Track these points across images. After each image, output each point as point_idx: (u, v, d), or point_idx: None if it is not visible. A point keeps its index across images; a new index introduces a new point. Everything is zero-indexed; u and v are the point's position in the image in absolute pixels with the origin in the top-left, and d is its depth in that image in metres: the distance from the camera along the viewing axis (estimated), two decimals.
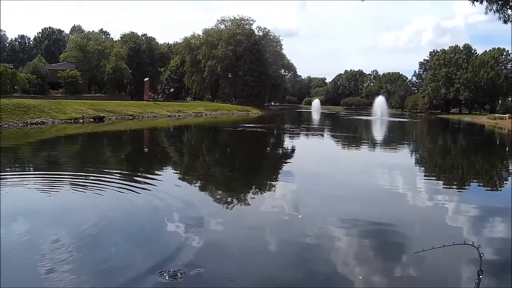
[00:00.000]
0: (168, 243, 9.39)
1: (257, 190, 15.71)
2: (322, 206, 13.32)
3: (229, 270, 8.15)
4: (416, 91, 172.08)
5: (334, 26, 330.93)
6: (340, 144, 35.95)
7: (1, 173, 17.39)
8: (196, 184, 16.20)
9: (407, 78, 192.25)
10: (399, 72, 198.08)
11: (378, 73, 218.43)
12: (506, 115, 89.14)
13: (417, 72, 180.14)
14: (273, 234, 10.38)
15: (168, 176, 17.90)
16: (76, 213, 11.67)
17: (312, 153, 29.19)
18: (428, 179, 20.22)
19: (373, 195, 15.32)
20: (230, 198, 14.18)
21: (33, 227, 10.39)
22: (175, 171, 20.05)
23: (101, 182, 15.75)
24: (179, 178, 17.39)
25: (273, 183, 17.47)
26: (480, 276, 4.06)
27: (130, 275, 7.65)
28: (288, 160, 25.50)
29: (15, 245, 8.93)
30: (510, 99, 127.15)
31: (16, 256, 8.41)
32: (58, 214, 11.62)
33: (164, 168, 20.98)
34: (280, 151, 31.34)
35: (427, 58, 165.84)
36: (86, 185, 15.33)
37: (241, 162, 24.43)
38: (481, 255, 3.97)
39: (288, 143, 36.66)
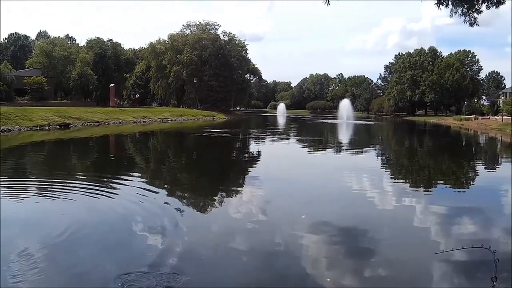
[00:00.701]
0: (135, 248, 9.64)
1: (223, 195, 16.00)
2: (289, 210, 13.71)
3: (199, 274, 8.40)
4: (381, 94, 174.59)
5: (301, 29, 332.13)
6: (306, 148, 36.50)
7: None
8: (163, 190, 16.43)
9: (372, 81, 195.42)
10: (364, 75, 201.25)
11: (344, 77, 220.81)
12: (471, 116, 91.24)
13: (382, 75, 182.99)
14: (241, 239, 10.64)
15: (134, 182, 17.97)
16: (44, 221, 11.83)
17: (278, 158, 29.69)
18: (395, 181, 20.81)
19: (340, 198, 15.83)
20: (197, 203, 14.60)
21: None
22: (142, 177, 20.12)
23: (68, 189, 15.93)
24: (146, 184, 17.51)
25: (239, 188, 17.84)
26: (494, 283, 3.91)
27: (98, 281, 7.89)
28: (254, 165, 26.00)
29: None
30: (475, 100, 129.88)
31: None
32: (25, 222, 11.77)
33: (131, 174, 20.98)
34: (246, 155, 31.76)
35: (392, 61, 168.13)
36: (53, 192, 15.45)
37: (207, 167, 24.72)
38: (496, 260, 3.82)
39: (253, 147, 37.20)
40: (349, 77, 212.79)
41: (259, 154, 31.81)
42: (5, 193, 15.50)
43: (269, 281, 8.22)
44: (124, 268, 8.29)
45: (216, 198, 15.50)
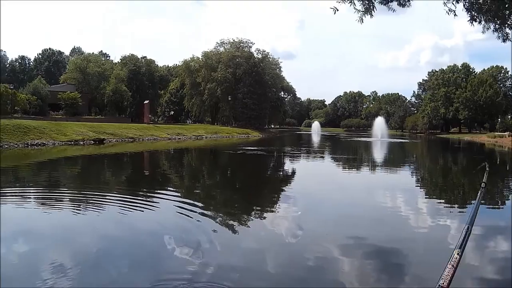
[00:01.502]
0: (167, 264, 9.35)
1: (257, 212, 15.45)
2: (322, 227, 13.21)
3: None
4: (415, 111, 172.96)
5: (333, 47, 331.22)
6: (340, 166, 35.75)
7: (2, 193, 17.47)
8: (196, 206, 15.70)
9: (406, 98, 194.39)
10: (398, 93, 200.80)
11: (377, 94, 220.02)
12: (505, 133, 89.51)
13: (416, 92, 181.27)
14: (275, 256, 10.22)
15: (168, 197, 17.65)
16: (77, 235, 11.54)
17: (312, 175, 28.95)
18: (429, 199, 19.81)
19: (375, 215, 15.10)
20: (230, 220, 13.99)
21: (34, 248, 10.27)
22: (176, 193, 19.73)
23: (102, 203, 15.79)
24: (180, 200, 17.00)
25: (273, 205, 17.20)
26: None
27: None
28: (288, 182, 25.13)
29: (15, 268, 8.89)
30: (509, 116, 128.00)
31: (17, 279, 8.32)
32: (58, 235, 11.53)
33: (165, 189, 20.66)
34: (280, 173, 30.93)
35: (425, 78, 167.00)
36: (87, 206, 15.30)
37: (242, 184, 24.24)
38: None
39: (288, 165, 36.30)
40: (383, 95, 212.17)
41: (293, 171, 31.16)
42: (39, 205, 15.68)
43: None
44: (155, 283, 8.06)
45: (249, 215, 14.96)
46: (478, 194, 3.97)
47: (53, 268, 8.57)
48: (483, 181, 4.08)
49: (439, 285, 2.73)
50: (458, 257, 2.93)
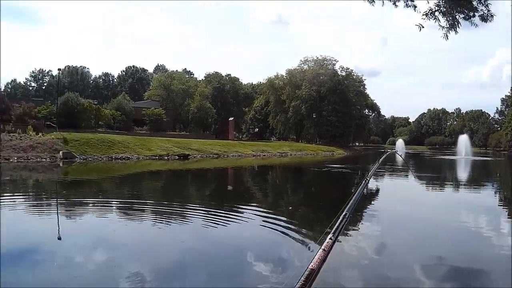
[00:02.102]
0: (248, 281, 8.92)
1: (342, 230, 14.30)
2: (405, 247, 12.59)
3: None
4: (499, 128, 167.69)
5: (416, 63, 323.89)
6: (424, 185, 34.24)
7: (86, 204, 18.02)
8: (280, 221, 15.11)
9: (489, 115, 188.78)
10: (481, 109, 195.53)
11: (461, 111, 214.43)
12: None
13: (499, 108, 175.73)
14: (355, 274, 9.75)
15: (252, 213, 17.17)
16: (158, 246, 11.44)
17: (396, 194, 28.14)
18: None
19: (456, 235, 14.24)
20: (314, 238, 12.94)
21: (113, 257, 10.15)
22: (260, 208, 19.09)
23: (185, 216, 15.89)
24: (263, 216, 16.56)
25: (357, 222, 15.99)
26: None
27: None
28: (372, 201, 23.74)
29: (93, 276, 8.68)
30: None
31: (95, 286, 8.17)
32: (139, 246, 11.39)
33: (249, 205, 20.14)
34: (365, 191, 29.71)
35: (508, 94, 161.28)
36: (170, 219, 15.29)
37: (326, 202, 23.20)
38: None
39: (372, 183, 35.24)
40: (466, 112, 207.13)
41: (377, 189, 29.72)
42: (122, 216, 16.07)
43: None
44: None
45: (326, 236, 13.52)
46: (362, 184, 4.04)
47: (130, 278, 8.44)
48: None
49: (310, 268, 2.64)
50: (331, 241, 3.10)
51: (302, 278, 2.59)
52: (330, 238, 3.15)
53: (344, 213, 3.54)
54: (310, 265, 2.72)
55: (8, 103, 60.82)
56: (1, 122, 43.93)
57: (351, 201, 3.74)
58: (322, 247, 2.96)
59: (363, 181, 4.31)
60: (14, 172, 31.39)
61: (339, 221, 3.38)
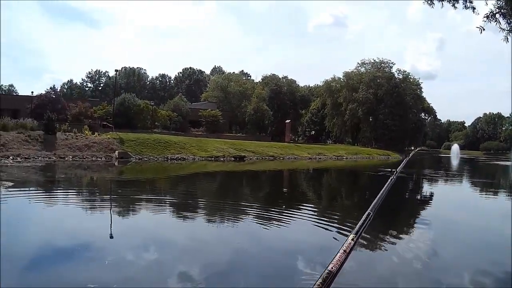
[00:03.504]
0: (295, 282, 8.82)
1: (393, 235, 14.25)
2: (457, 254, 12.29)
3: None
4: None
5: (474, 66, 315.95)
6: (478, 191, 33.45)
7: (139, 203, 18.19)
8: (332, 226, 15.07)
9: None
10: None
11: None
12: None
13: None
14: (405, 281, 9.57)
15: (305, 216, 17.25)
16: (210, 247, 11.47)
17: (450, 199, 27.49)
18: None
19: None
20: (366, 243, 12.91)
21: (164, 257, 10.18)
22: (313, 212, 19.16)
23: (238, 217, 16.05)
24: (317, 219, 16.57)
25: (410, 228, 16.39)
26: None
27: None
28: (425, 206, 23.99)
29: (142, 274, 8.75)
30: None
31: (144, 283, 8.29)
32: (191, 246, 11.51)
33: (302, 208, 19.99)
34: (419, 196, 29.72)
35: None
36: (223, 219, 15.55)
37: (380, 206, 22.64)
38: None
39: (426, 188, 34.91)
40: None
41: (431, 195, 29.72)
42: (176, 215, 16.47)
43: None
44: None
45: (384, 237, 13.91)
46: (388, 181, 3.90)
47: (180, 277, 8.63)
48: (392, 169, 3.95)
49: (329, 270, 2.51)
50: (352, 242, 2.88)
51: (320, 280, 2.39)
52: (352, 239, 2.85)
53: (367, 213, 3.25)
54: (329, 266, 2.52)
55: (64, 103, 61.76)
56: (57, 122, 44.38)
57: (376, 200, 3.51)
58: (343, 247, 2.74)
59: (390, 178, 3.97)
60: (68, 170, 31.85)
61: (361, 220, 3.10)
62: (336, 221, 16.22)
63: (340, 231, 14.06)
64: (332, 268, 2.47)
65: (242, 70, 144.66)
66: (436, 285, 9.22)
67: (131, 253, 10.11)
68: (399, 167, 4.00)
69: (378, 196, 3.53)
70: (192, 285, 8.19)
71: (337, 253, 2.64)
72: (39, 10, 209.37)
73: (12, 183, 21.03)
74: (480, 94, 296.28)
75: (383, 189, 3.84)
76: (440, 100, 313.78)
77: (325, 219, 16.18)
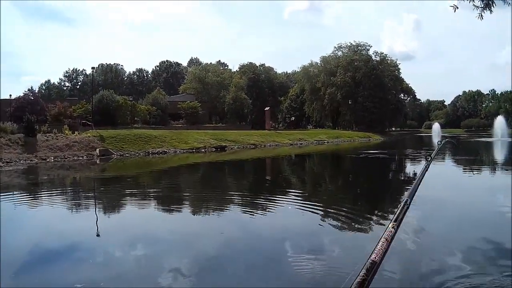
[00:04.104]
0: (286, 270, 8.83)
1: (379, 217, 14.26)
2: (446, 231, 12.31)
3: None
4: None
5: (450, 45, 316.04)
6: (461, 168, 33.63)
7: (124, 199, 18.31)
8: (318, 210, 15.09)
9: None
10: None
11: (496, 92, 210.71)
12: None
13: None
14: (397, 261, 9.27)
15: (290, 201, 17.27)
16: (198, 239, 11.50)
17: (433, 178, 27.17)
18: None
19: (497, 218, 13.93)
20: (353, 226, 13.14)
21: (152, 253, 10.11)
22: (297, 197, 19.05)
23: (224, 207, 16.04)
24: (301, 204, 16.40)
25: (395, 209, 15.86)
26: None
27: None
28: (410, 186, 23.74)
29: (130, 271, 8.72)
30: None
31: (136, 284, 8.10)
32: (179, 239, 11.57)
33: (286, 194, 20.12)
34: (403, 176, 29.85)
35: None
36: (208, 210, 15.71)
37: (364, 188, 23.17)
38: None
39: (410, 168, 34.90)
40: (501, 93, 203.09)
41: (414, 174, 29.21)
42: (162, 209, 16.53)
43: None
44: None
45: (371, 220, 14.12)
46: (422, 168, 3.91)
47: (169, 271, 8.59)
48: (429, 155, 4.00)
49: (371, 260, 2.51)
50: (393, 230, 2.81)
51: (363, 271, 2.42)
52: (393, 227, 2.78)
53: (405, 200, 3.14)
54: (372, 256, 2.51)
55: (43, 104, 61.60)
56: (37, 123, 44.25)
57: (413, 187, 3.39)
58: (384, 236, 2.67)
59: (426, 164, 3.90)
60: (51, 171, 31.71)
61: (399, 208, 3.00)
62: (321, 205, 16.23)
63: (327, 215, 14.21)
64: (375, 257, 2.52)
65: (219, 60, 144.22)
66: (429, 263, 9.25)
67: (119, 250, 10.15)
68: (433, 153, 4.21)
69: (414, 183, 3.55)
70: (183, 279, 8.18)
71: (379, 242, 2.66)
72: (12, 10, 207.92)
73: None
74: (458, 72, 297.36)
75: (419, 175, 3.83)
76: (418, 80, 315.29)
77: (310, 203, 16.23)
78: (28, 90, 77.38)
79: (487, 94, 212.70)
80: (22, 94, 66.55)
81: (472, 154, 48.31)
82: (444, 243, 10.92)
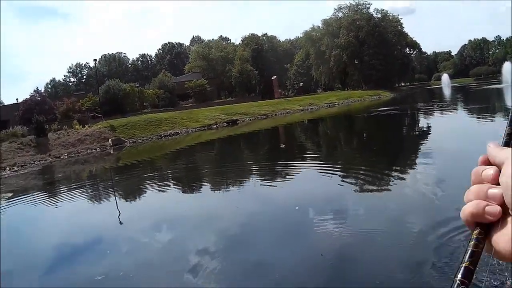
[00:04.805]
0: (317, 237, 8.66)
1: (398, 174, 14.23)
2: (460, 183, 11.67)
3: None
4: None
5: None
6: (474, 117, 33.28)
7: (143, 185, 18.30)
8: (336, 172, 15.11)
9: None
10: None
11: (502, 39, 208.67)
12: None
13: None
14: (417, 217, 9.37)
15: (307, 168, 17.29)
16: (223, 215, 11.38)
17: (447, 130, 27.10)
18: None
19: None
20: (371, 185, 13.05)
21: (177, 235, 10.16)
22: (314, 162, 19.33)
23: (244, 181, 16.14)
24: (319, 168, 16.60)
25: (413, 164, 16.07)
26: None
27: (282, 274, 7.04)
28: (424, 139, 23.75)
29: (161, 257, 8.62)
30: None
31: (165, 269, 7.97)
32: (200, 218, 11.32)
33: (305, 159, 20.31)
34: (416, 131, 29.14)
35: None
36: (228, 185, 15.64)
37: (378, 146, 22.96)
38: None
39: (423, 122, 34.61)
40: (507, 38, 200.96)
41: (428, 127, 29.28)
42: (182, 189, 16.92)
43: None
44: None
45: (390, 176, 13.82)
46: None
47: (197, 253, 8.47)
48: None
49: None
50: None
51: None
52: None
53: None
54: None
55: (50, 103, 61.83)
56: (46, 122, 44.32)
57: None
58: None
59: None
60: (66, 168, 31.74)
61: None
62: (339, 167, 16.31)
63: (345, 176, 14.26)
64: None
65: (221, 36, 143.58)
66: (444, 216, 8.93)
67: (143, 236, 10.19)
68: None
69: None
70: (210, 259, 8.06)
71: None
72: (6, 11, 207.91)
73: (11, 193, 20.90)
74: (462, 22, 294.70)
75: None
76: (423, 33, 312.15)
77: (329, 166, 16.29)
78: (34, 91, 77.42)
79: (492, 41, 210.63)
80: (28, 96, 66.56)
81: (484, 102, 48.03)
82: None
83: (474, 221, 0.79)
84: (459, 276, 0.75)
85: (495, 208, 0.76)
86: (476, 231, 0.78)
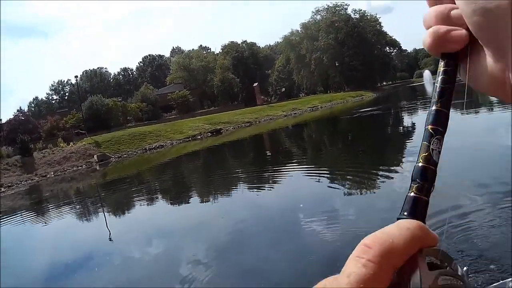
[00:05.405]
0: (304, 238, 9.00)
1: (386, 173, 14.32)
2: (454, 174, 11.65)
3: None
4: None
5: None
6: (458, 111, 33.52)
7: (130, 199, 18.21)
8: (324, 176, 15.31)
9: None
10: None
11: None
12: None
13: None
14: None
15: (294, 172, 17.38)
16: (214, 223, 11.56)
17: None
18: None
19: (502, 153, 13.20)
20: (360, 185, 13.22)
21: (167, 246, 10.26)
22: (300, 167, 19.28)
23: (232, 188, 16.23)
24: (306, 172, 16.73)
25: (397, 163, 16.25)
26: None
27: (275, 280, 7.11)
28: (409, 138, 23.35)
29: (154, 271, 8.71)
30: None
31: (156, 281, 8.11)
32: (193, 228, 11.54)
33: (288, 166, 20.23)
34: (400, 129, 29.83)
35: None
36: (216, 194, 15.78)
37: (364, 148, 22.89)
38: None
39: (407, 120, 34.78)
40: None
41: (412, 125, 29.21)
42: (169, 201, 16.87)
43: None
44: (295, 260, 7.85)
45: (377, 176, 14.03)
46: None
47: (188, 264, 8.66)
48: None
49: None
50: None
51: None
52: None
53: None
54: None
55: (34, 122, 61.96)
56: (31, 142, 44.36)
57: None
58: None
59: None
60: (53, 186, 31.77)
61: None
62: (326, 169, 16.56)
63: (332, 178, 14.47)
64: None
65: (201, 45, 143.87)
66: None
67: (134, 250, 10.33)
68: None
69: None
70: (203, 268, 8.16)
71: None
72: None
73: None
74: None
75: None
76: (402, 31, 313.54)
77: (315, 169, 16.61)
78: (18, 110, 77.43)
79: None
80: (12, 116, 66.59)
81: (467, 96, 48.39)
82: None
83: (439, 52, 0.68)
84: (429, 123, 0.65)
85: (461, 33, 0.65)
86: (442, 63, 0.68)
